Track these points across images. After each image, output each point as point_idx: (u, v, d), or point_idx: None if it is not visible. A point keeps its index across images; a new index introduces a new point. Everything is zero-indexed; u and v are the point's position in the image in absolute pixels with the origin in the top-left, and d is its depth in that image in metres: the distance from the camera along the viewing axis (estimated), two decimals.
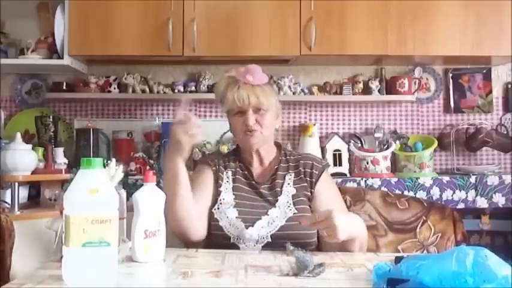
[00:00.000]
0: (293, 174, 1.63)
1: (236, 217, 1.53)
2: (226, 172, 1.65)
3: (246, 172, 1.66)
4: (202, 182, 1.63)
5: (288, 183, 1.61)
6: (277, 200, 1.58)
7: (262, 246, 1.49)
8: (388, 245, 1.77)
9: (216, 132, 2.90)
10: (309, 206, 1.60)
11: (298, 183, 1.62)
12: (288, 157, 1.69)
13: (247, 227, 1.51)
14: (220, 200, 1.58)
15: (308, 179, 1.63)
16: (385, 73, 3.03)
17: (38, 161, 2.34)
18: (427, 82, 3.11)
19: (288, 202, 1.57)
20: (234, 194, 1.60)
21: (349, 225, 1.38)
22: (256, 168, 1.67)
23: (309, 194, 1.61)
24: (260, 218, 1.53)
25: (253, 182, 1.64)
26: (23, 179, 2.25)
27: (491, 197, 2.59)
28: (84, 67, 2.93)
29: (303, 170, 1.64)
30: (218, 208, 1.57)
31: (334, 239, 1.32)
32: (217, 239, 1.52)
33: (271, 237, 1.50)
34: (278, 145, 1.73)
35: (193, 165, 2.79)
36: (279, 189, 1.60)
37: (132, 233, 1.24)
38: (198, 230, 1.52)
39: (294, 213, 1.54)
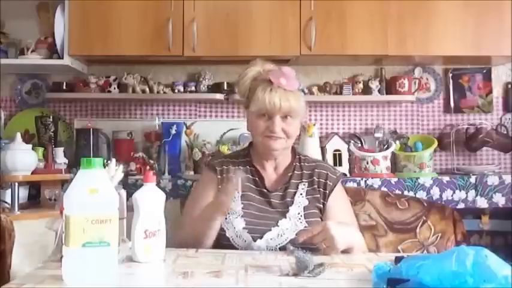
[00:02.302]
0: (306, 184, 1.58)
1: (243, 228, 1.49)
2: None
3: (257, 178, 1.59)
4: (206, 195, 1.58)
5: (301, 194, 1.56)
6: (288, 211, 1.52)
7: None
8: (388, 245, 1.77)
9: (216, 132, 2.90)
10: (320, 218, 1.55)
11: (311, 193, 1.57)
12: (302, 163, 1.62)
13: (255, 239, 1.47)
14: None
15: (322, 189, 1.57)
16: (385, 73, 3.02)
17: (38, 161, 2.34)
18: (427, 82, 3.11)
19: (299, 214, 1.52)
20: (242, 202, 1.53)
21: (346, 234, 1.36)
22: (269, 175, 1.60)
23: (321, 205, 1.57)
24: (270, 229, 1.49)
25: (264, 190, 1.57)
26: (23, 179, 2.25)
27: (491, 197, 2.58)
28: (84, 67, 2.93)
29: (316, 180, 1.58)
30: (225, 218, 1.50)
31: (334, 250, 1.31)
32: (225, 248, 1.45)
33: (279, 249, 1.45)
34: (292, 149, 1.66)
35: (193, 165, 2.81)
36: (290, 199, 1.54)
37: (132, 233, 1.24)
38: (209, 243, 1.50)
39: (305, 227, 1.49)
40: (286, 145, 1.57)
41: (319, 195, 1.57)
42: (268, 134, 1.53)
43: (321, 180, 1.58)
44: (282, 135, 1.53)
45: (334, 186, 1.59)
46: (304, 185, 1.58)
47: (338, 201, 1.59)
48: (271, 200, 1.55)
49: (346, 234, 1.36)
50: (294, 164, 1.62)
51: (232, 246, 1.47)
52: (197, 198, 1.59)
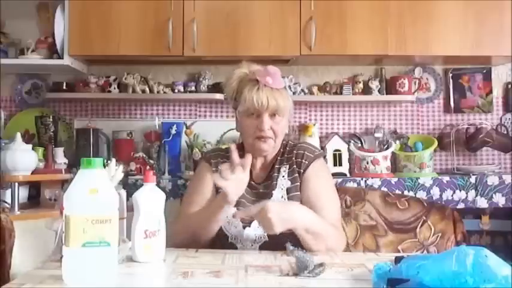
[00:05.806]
0: (287, 166, 1.59)
1: (233, 215, 1.50)
2: None
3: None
4: (203, 185, 1.60)
5: (283, 176, 1.57)
6: (272, 195, 1.54)
7: (262, 246, 1.47)
8: (388, 245, 1.77)
9: (216, 132, 2.90)
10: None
11: (291, 175, 1.58)
12: (286, 149, 1.63)
13: (244, 227, 1.49)
14: None
15: (298, 169, 1.57)
16: (385, 73, 3.03)
17: (38, 161, 2.34)
18: (427, 82, 3.12)
19: (282, 197, 1.54)
20: None
21: (287, 217, 1.34)
22: (257, 169, 1.63)
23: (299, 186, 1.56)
24: None
25: (252, 183, 1.58)
26: (23, 179, 2.25)
27: (491, 197, 2.58)
28: (84, 67, 2.93)
29: (295, 160, 1.59)
30: None
31: (271, 231, 1.32)
32: (216, 238, 1.49)
33: (268, 236, 1.46)
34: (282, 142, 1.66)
35: (193, 165, 2.81)
36: (274, 182, 1.56)
37: (132, 233, 1.24)
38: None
39: None
40: (274, 145, 1.58)
41: (297, 175, 1.57)
42: (258, 134, 1.54)
43: (298, 160, 1.59)
44: (271, 135, 1.54)
45: (309, 165, 1.57)
46: (285, 167, 1.59)
47: (312, 178, 1.56)
48: (259, 189, 1.58)
49: (287, 217, 1.34)
50: (279, 150, 1.63)
51: (223, 235, 1.50)
52: (194, 189, 1.62)
